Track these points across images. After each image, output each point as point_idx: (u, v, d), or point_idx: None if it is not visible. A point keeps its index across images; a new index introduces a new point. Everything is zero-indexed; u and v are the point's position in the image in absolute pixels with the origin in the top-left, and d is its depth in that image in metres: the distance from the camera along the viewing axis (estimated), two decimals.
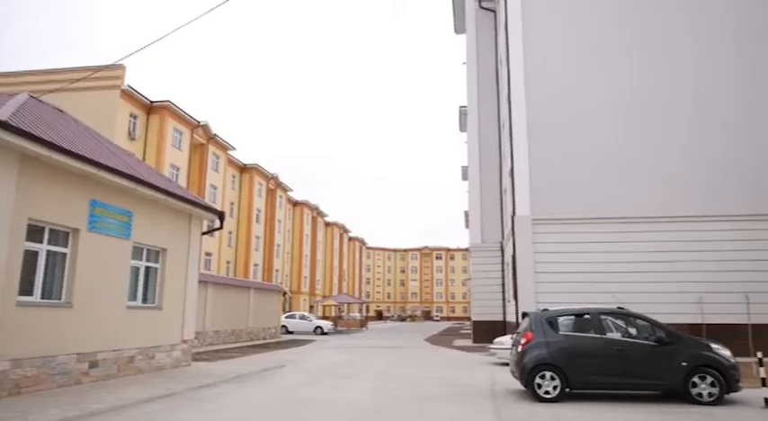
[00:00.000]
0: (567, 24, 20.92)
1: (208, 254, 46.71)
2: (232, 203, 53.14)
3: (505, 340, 15.49)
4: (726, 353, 9.11)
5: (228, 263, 52.24)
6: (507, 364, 11.76)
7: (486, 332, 24.05)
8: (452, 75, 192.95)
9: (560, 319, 9.88)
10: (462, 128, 35.50)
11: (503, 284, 26.87)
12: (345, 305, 58.56)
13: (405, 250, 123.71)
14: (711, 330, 15.45)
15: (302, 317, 38.52)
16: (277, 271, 62.05)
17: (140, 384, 10.48)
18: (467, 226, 33.39)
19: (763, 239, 17.99)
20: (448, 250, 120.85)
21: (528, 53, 20.74)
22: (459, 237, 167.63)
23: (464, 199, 35.91)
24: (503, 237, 27.07)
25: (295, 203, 71.88)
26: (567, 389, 9.18)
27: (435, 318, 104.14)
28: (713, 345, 9.24)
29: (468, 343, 26.26)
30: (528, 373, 9.23)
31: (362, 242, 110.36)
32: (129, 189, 11.43)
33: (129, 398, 8.85)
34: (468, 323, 51.13)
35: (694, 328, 15.67)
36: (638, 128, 19.67)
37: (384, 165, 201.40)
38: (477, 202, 28.54)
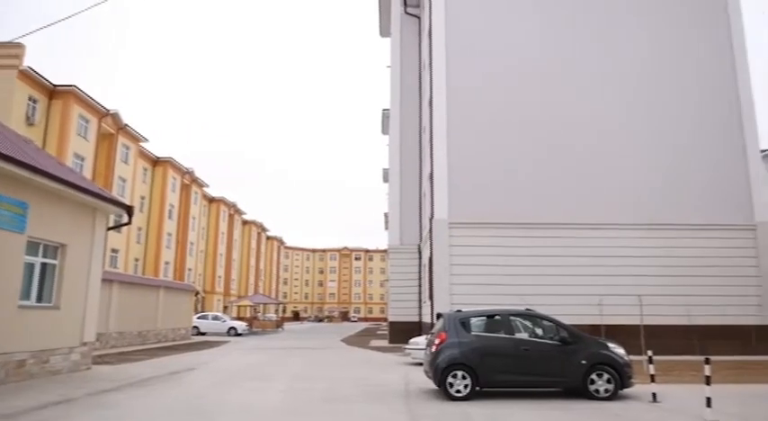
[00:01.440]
0: (490, 34, 21.70)
1: (114, 250, 44.08)
2: (143, 198, 50.50)
3: (420, 340, 15.75)
4: (621, 351, 9.76)
5: (137, 260, 49.57)
6: (422, 364, 11.99)
7: (402, 332, 24.40)
8: (377, 77, 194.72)
9: (473, 320, 10.19)
10: (385, 130, 35.86)
11: (419, 286, 27.38)
12: (261, 306, 57.19)
13: (324, 250, 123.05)
14: (609, 330, 16.56)
15: (215, 318, 37.28)
16: (190, 270, 59.67)
17: (32, 390, 9.68)
18: (386, 228, 33.76)
19: (657, 247, 19.62)
20: (367, 251, 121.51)
21: (450, 59, 21.33)
22: (378, 239, 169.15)
23: (384, 201, 36.27)
24: (420, 240, 27.60)
25: (211, 200, 69.48)
26: (478, 388, 9.48)
27: (353, 319, 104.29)
28: (610, 345, 9.88)
29: (385, 343, 26.50)
30: (441, 373, 9.44)
31: (281, 241, 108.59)
32: (24, 178, 10.54)
33: (18, 406, 8.14)
34: (385, 324, 51.63)
35: (594, 329, 16.72)
36: (551, 138, 20.76)
37: (306, 165, 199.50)
38: (397, 205, 28.91)
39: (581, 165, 20.55)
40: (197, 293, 42.08)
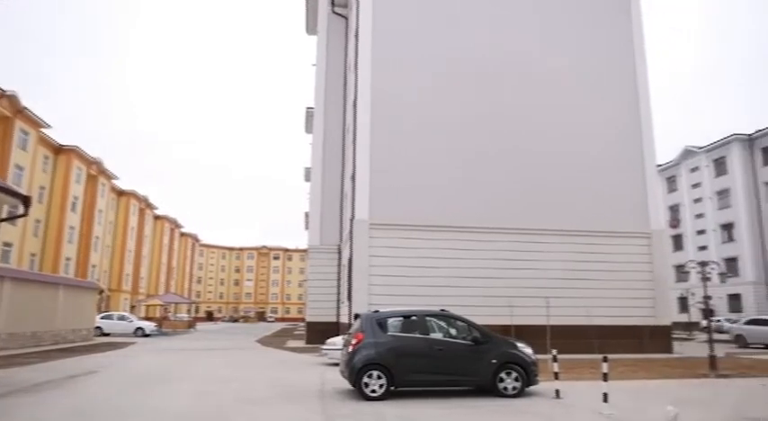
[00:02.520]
0: (417, 37, 22.03)
1: (7, 244, 40.61)
2: (42, 188, 46.87)
3: (337, 341, 15.71)
4: (528, 350, 10.24)
5: (34, 255, 45.93)
6: (338, 365, 11.95)
7: (319, 333, 24.20)
8: (302, 74, 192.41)
9: (389, 321, 10.29)
10: (308, 129, 35.49)
11: (338, 286, 27.32)
12: (173, 305, 54.81)
13: (241, 249, 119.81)
14: (519, 330, 17.30)
15: (121, 318, 35.21)
16: (94, 266, 56.09)
17: None
18: (307, 227, 33.40)
19: (563, 252, 20.76)
20: (286, 250, 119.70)
21: (376, 62, 21.47)
22: (298, 238, 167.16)
23: (306, 200, 35.87)
24: (341, 240, 27.56)
25: (121, 193, 65.71)
26: (392, 388, 9.59)
27: (269, 319, 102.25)
28: (519, 344, 10.33)
29: (301, 344, 26.20)
30: (357, 373, 9.46)
31: (196, 238, 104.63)
32: None
33: None
34: (302, 324, 51.08)
35: (505, 329, 17.40)
36: (471, 143, 21.42)
37: (229, 162, 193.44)
38: (318, 204, 28.72)
39: (496, 170, 21.34)
40: (101, 292, 39.57)
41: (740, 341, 25.41)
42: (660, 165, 52.58)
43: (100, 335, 31.60)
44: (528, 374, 9.86)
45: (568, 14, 23.36)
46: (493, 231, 20.58)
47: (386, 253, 19.76)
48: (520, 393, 9.74)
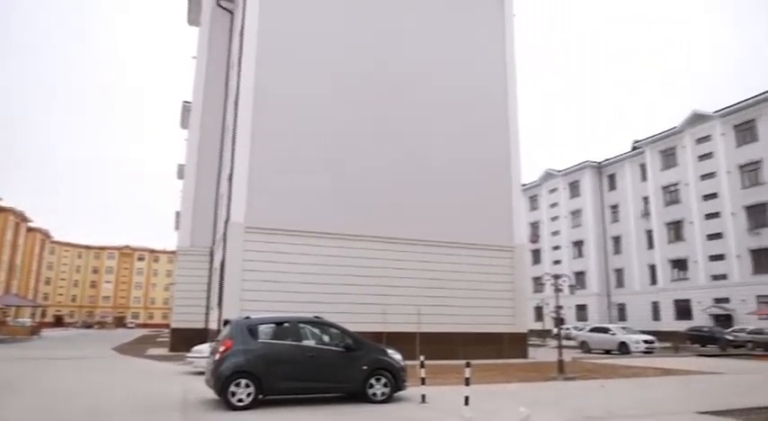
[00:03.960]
0: (304, 38, 21.82)
1: None
2: None
3: (204, 348, 14.96)
4: (398, 357, 10.50)
5: None
6: (204, 373, 11.37)
7: (185, 340, 22.84)
8: (179, 64, 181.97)
9: (261, 327, 10.01)
10: (184, 124, 33.70)
11: (208, 291, 26.18)
12: (13, 308, 48.87)
13: (101, 248, 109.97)
14: (390, 337, 17.69)
15: None
16: None
17: None
18: (177, 227, 31.61)
19: (434, 262, 21.63)
20: (152, 251, 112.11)
21: (261, 62, 20.93)
22: (167, 239, 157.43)
23: (178, 199, 33.95)
24: (214, 243, 26.44)
25: None
26: (261, 396, 9.31)
27: (130, 325, 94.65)
28: (389, 351, 10.56)
29: (165, 352, 24.62)
30: (223, 381, 9.07)
31: (46, 235, 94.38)
32: None
33: None
34: (167, 330, 48.05)
35: (377, 336, 17.69)
36: (352, 152, 21.61)
37: (90, 153, 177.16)
38: (191, 204, 27.38)
39: (374, 180, 21.68)
40: None
41: (584, 347, 28.24)
42: (524, 185, 57.08)
43: None
44: (397, 380, 10.10)
45: (453, 38, 24.56)
46: (368, 239, 20.89)
47: (261, 257, 19.26)
48: (388, 399, 9.94)
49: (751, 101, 40.68)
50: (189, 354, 16.04)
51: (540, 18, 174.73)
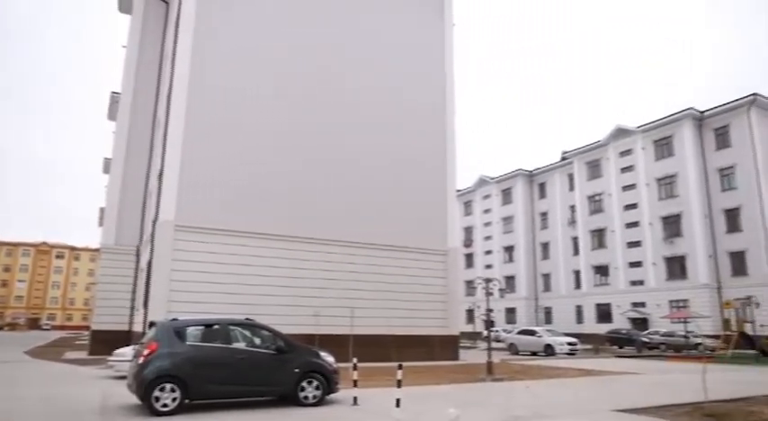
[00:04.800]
0: (243, 33, 21.32)
1: None
2: None
3: (127, 351, 14.28)
4: (330, 359, 10.43)
5: None
6: (126, 378, 10.85)
7: (107, 343, 21.71)
8: (108, 53, 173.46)
9: (189, 329, 9.67)
10: (112, 116, 32.08)
11: (133, 291, 25.05)
12: None
13: (14, 244, 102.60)
14: (323, 340, 17.55)
15: None
16: None
17: None
18: (101, 224, 30.02)
19: (369, 264, 21.69)
20: (73, 249, 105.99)
21: (197, 55, 20.26)
22: (90, 236, 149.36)
23: (103, 194, 32.23)
24: (141, 242, 25.34)
25: None
26: (188, 401, 8.98)
27: (45, 327, 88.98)
28: (321, 353, 10.48)
29: (84, 355, 23.33)
30: (147, 386, 8.67)
31: None
32: None
33: None
34: (87, 333, 45.51)
35: (310, 338, 17.52)
36: (287, 154, 21.29)
37: (4, 142, 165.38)
38: (117, 200, 26.15)
39: (311, 180, 21.43)
40: None
41: (513, 349, 29.15)
42: (459, 191, 58.34)
43: None
44: (329, 382, 10.04)
45: (395, 43, 24.76)
46: (302, 241, 20.63)
47: (190, 257, 18.60)
48: (320, 401, 9.85)
49: (670, 117, 43.52)
50: (110, 358, 15.29)
51: (493, 26, 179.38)
